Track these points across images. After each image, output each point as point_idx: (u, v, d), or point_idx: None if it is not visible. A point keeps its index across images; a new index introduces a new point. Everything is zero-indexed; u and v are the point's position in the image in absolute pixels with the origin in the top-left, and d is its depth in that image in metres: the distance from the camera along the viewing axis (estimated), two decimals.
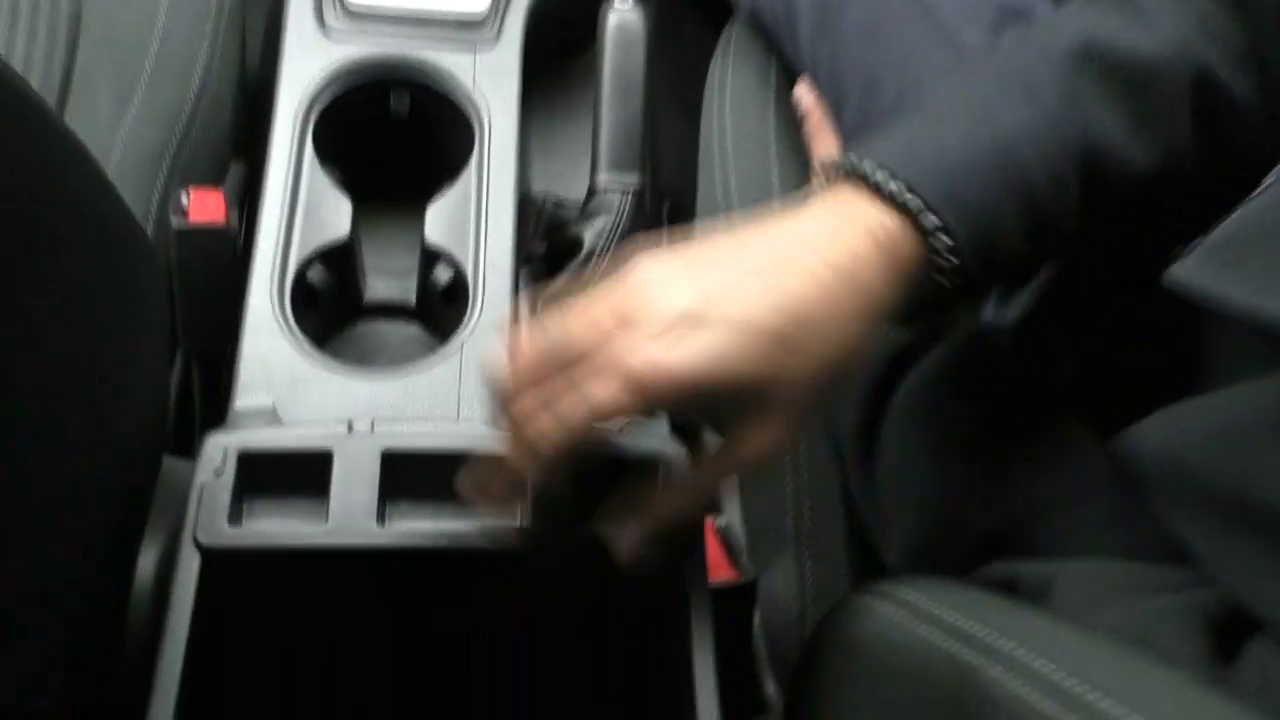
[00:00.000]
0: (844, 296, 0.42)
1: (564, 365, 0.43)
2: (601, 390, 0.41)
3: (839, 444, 0.64)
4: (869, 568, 0.64)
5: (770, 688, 0.66)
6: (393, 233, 0.72)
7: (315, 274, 0.65)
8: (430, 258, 0.67)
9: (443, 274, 0.66)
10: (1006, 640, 0.34)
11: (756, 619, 0.64)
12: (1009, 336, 0.61)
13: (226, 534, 0.47)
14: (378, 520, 0.47)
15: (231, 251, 0.64)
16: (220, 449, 0.49)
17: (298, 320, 0.61)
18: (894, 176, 0.45)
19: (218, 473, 0.49)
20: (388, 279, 0.71)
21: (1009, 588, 0.47)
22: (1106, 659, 0.32)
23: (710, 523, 0.58)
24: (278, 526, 0.48)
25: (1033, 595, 0.45)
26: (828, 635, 0.48)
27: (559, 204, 0.81)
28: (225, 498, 0.48)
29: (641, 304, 0.42)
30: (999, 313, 0.63)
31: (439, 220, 0.67)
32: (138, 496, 0.54)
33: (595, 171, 0.70)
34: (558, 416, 0.42)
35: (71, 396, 0.42)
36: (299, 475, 0.49)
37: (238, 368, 0.59)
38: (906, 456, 0.58)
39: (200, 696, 0.46)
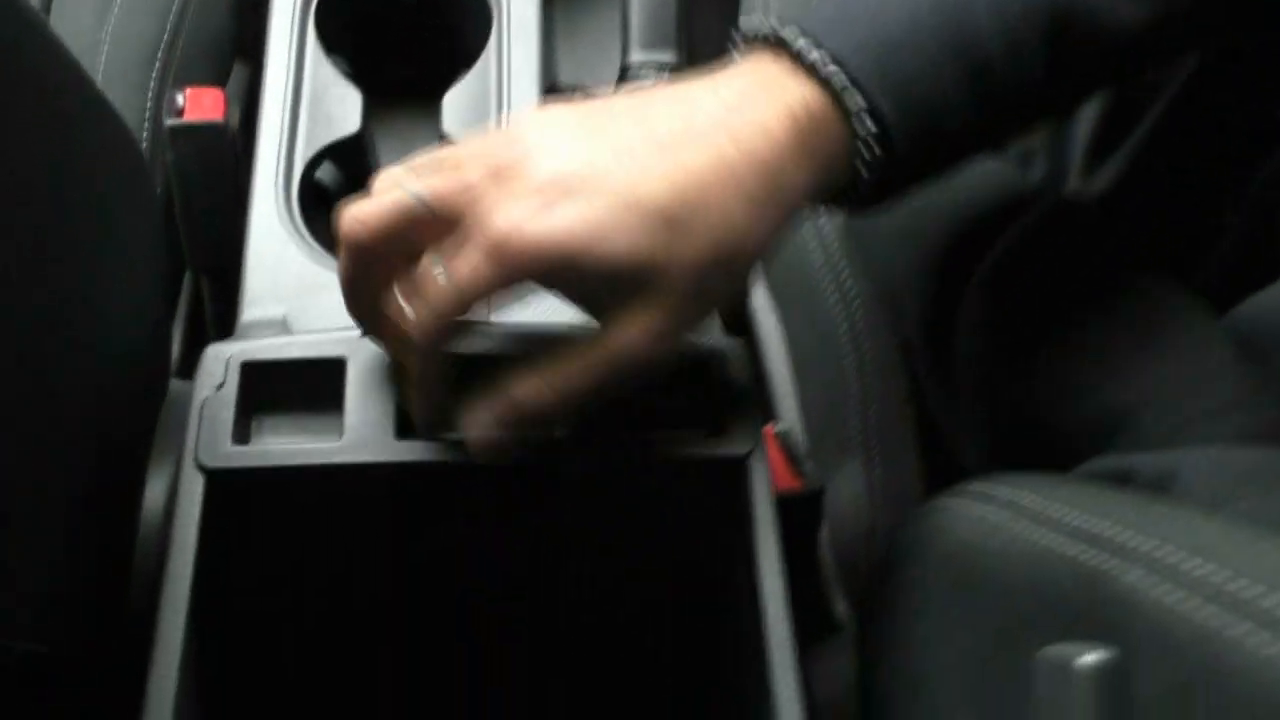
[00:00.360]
0: (749, 181, 0.37)
1: (424, 230, 0.38)
2: (463, 262, 0.36)
3: (907, 336, 0.58)
4: (944, 473, 0.59)
5: (840, 606, 0.61)
6: (408, 128, 0.66)
7: (326, 173, 0.60)
8: None
9: None
10: (1145, 539, 0.28)
11: (823, 532, 0.59)
12: (1099, 207, 0.54)
13: (231, 454, 0.42)
14: (397, 433, 0.42)
15: (232, 152, 0.59)
16: (221, 361, 0.44)
17: (309, 224, 0.56)
18: (818, 45, 0.39)
19: (219, 387, 0.44)
20: None
21: (1120, 485, 0.41)
22: (1276, 555, 0.26)
23: (769, 428, 0.52)
24: (287, 444, 0.43)
25: (1150, 491, 0.39)
26: (910, 545, 0.42)
27: (589, 96, 0.75)
28: (228, 414, 0.43)
29: (517, 161, 0.37)
30: (1085, 181, 0.56)
31: (457, 112, 0.61)
32: (141, 423, 0.49)
33: (627, 51, 0.64)
34: (422, 297, 0.38)
35: (37, 309, 0.37)
36: (310, 387, 0.44)
37: (243, 276, 0.54)
38: (987, 346, 0.52)
39: (209, 630, 0.41)
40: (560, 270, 0.36)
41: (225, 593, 0.43)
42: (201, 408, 0.43)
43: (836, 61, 0.38)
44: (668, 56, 0.63)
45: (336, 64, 0.61)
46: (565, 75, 0.76)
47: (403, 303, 0.39)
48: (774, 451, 0.52)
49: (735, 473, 0.43)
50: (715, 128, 0.37)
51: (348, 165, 0.61)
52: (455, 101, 0.61)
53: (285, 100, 0.58)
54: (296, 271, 0.54)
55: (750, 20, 0.41)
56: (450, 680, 0.51)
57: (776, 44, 0.40)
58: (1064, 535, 0.32)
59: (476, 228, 0.36)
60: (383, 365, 0.44)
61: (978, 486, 0.40)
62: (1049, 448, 0.48)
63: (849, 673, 0.54)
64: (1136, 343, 0.46)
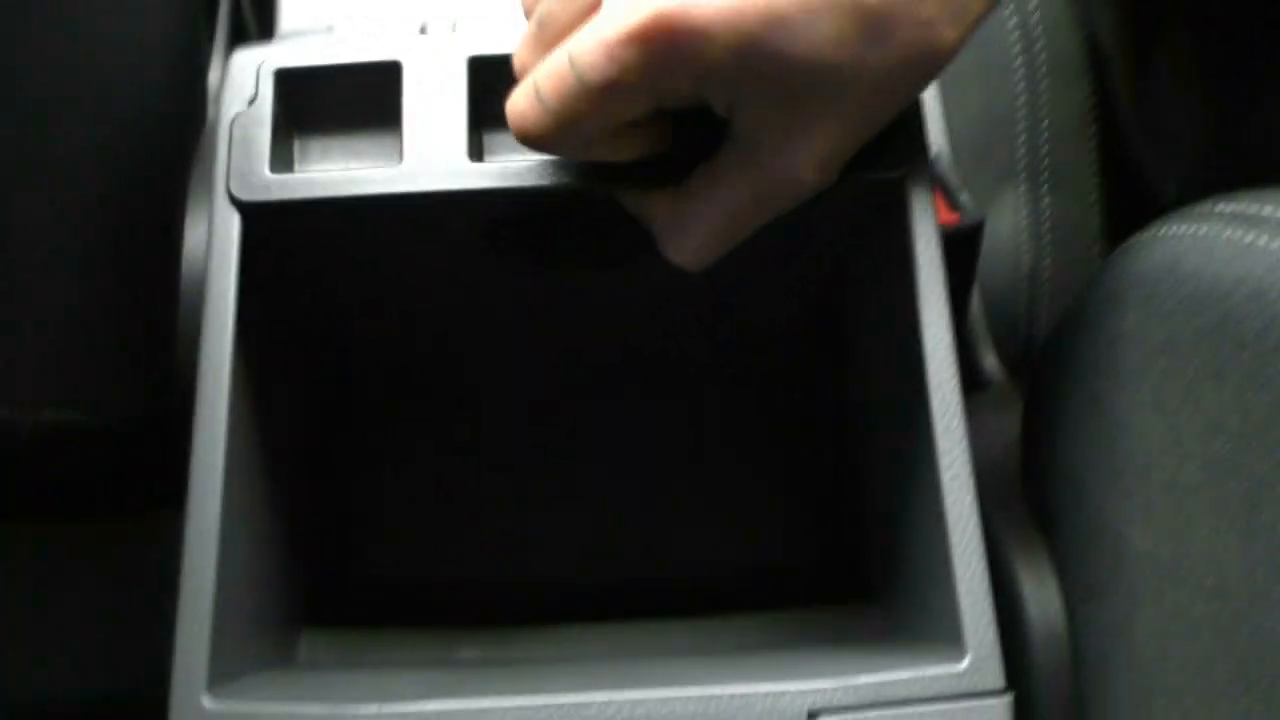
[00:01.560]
0: None
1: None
2: (596, 47, 0.30)
3: (1096, 30, 0.47)
4: (1132, 207, 0.49)
5: (989, 360, 0.54)
6: None
7: None
8: None
9: None
10: None
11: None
12: None
13: (271, 183, 0.35)
14: (470, 154, 0.34)
15: None
16: (250, 70, 0.36)
17: None
18: None
19: (251, 101, 0.35)
20: None
21: None
22: None
23: None
24: (336, 171, 0.35)
25: None
26: (1122, 286, 0.33)
27: None
28: (264, 135, 0.35)
29: None
30: None
31: None
32: (176, 158, 0.43)
33: None
34: (541, 96, 0.31)
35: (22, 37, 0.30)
36: (360, 99, 0.36)
37: None
38: (1211, 35, 0.41)
39: (260, 391, 0.35)
40: (721, 63, 0.29)
41: (277, 346, 0.37)
42: (231, 128, 0.35)
43: None
44: None
45: None
46: None
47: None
48: None
49: (890, 199, 0.35)
50: None
51: None
52: None
53: None
54: None
55: None
56: (541, 441, 0.45)
57: None
58: None
59: (612, 7, 0.30)
60: (449, 69, 0.35)
61: (1225, 206, 0.30)
62: None
63: (999, 433, 0.47)
64: None
